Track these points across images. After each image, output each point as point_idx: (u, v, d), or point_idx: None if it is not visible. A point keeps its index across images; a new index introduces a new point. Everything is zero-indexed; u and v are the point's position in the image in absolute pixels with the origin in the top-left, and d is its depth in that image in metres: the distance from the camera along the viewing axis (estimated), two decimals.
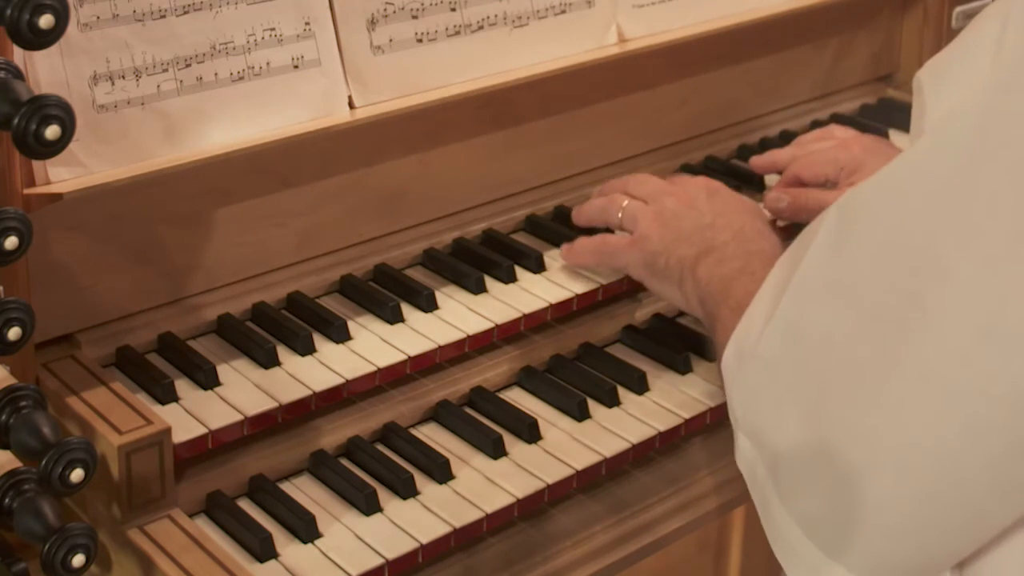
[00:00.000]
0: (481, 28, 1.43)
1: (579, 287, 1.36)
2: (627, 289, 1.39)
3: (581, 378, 1.30)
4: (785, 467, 0.95)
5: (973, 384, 0.83)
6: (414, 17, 1.38)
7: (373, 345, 1.27)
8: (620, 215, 1.35)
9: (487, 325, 1.30)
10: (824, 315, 0.92)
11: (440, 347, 1.26)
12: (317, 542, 1.11)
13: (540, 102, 1.50)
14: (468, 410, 1.27)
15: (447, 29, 1.41)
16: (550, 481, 1.16)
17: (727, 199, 1.32)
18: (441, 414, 1.26)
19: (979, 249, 0.82)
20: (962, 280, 0.83)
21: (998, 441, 0.83)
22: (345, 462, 1.21)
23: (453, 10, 1.41)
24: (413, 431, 1.24)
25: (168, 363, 1.25)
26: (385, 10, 1.36)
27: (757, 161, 1.57)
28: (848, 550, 0.91)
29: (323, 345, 1.27)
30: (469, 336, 1.28)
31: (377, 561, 1.08)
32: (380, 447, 1.23)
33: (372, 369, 1.23)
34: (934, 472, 0.86)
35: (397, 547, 1.10)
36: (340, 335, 1.27)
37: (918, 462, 0.86)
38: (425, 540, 1.10)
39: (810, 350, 0.93)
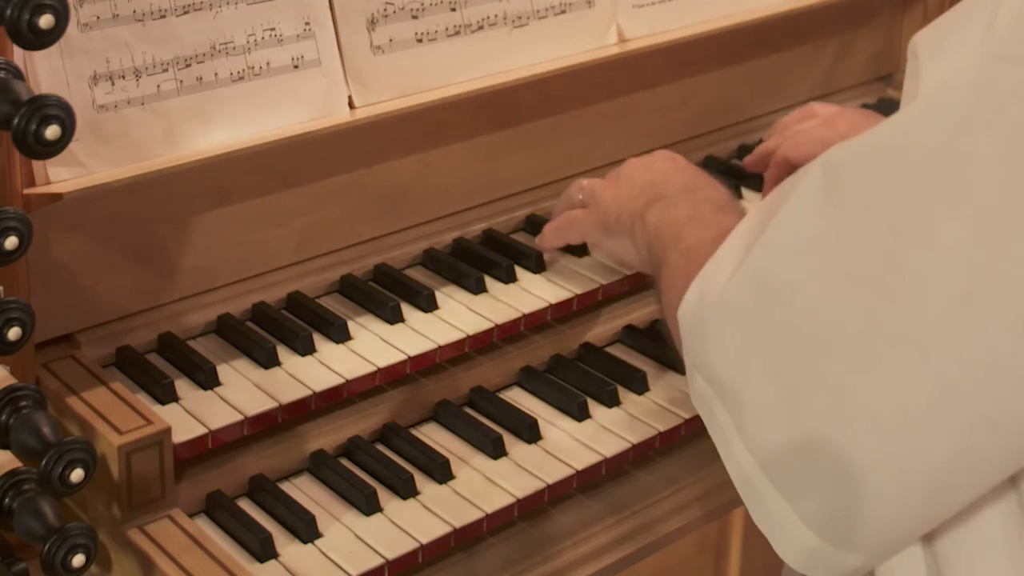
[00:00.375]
0: (481, 28, 1.43)
1: (579, 287, 1.37)
2: (627, 289, 1.40)
3: (581, 378, 1.30)
4: (751, 418, 0.95)
5: (948, 349, 0.83)
6: (414, 17, 1.38)
7: (373, 345, 1.27)
8: (581, 196, 1.37)
9: (487, 325, 1.30)
10: (798, 269, 0.92)
11: (440, 347, 1.26)
12: (317, 542, 1.12)
13: (540, 102, 1.50)
14: (468, 410, 1.27)
15: (447, 29, 1.41)
16: (550, 481, 1.17)
17: (680, 162, 1.34)
18: (441, 414, 1.26)
19: (966, 214, 0.82)
20: (946, 244, 0.83)
21: (967, 409, 0.83)
22: (345, 462, 1.22)
23: (453, 10, 1.41)
24: (413, 431, 1.24)
25: (168, 363, 1.25)
26: (385, 10, 1.36)
27: (749, 160, 1.57)
28: (806, 496, 0.92)
29: (323, 345, 1.27)
30: (469, 336, 1.28)
31: (377, 561, 1.09)
32: (380, 447, 1.23)
33: (372, 369, 1.24)
34: (902, 433, 0.86)
35: (397, 547, 1.10)
36: (340, 335, 1.27)
37: (887, 421, 0.86)
38: (425, 540, 1.11)
39: (781, 302, 0.93)
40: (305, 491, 1.19)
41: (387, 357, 1.25)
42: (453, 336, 1.28)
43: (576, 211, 1.37)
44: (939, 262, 0.83)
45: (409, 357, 1.25)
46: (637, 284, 1.40)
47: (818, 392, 0.89)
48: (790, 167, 1.47)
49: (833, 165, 0.92)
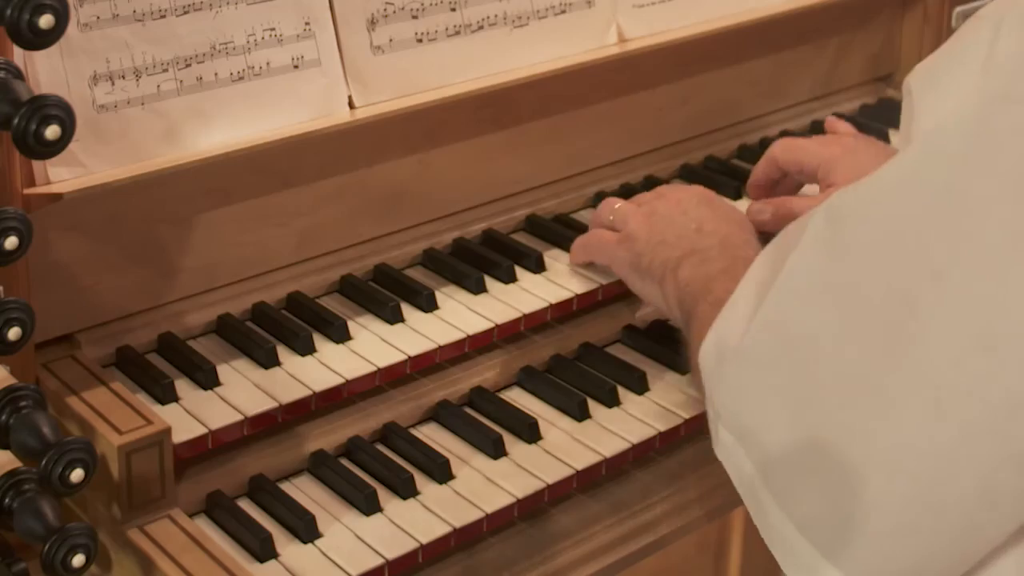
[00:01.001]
0: (481, 28, 1.43)
1: (579, 287, 1.37)
2: (627, 289, 1.39)
3: (581, 378, 1.30)
4: (777, 466, 0.96)
5: (967, 389, 0.84)
6: (414, 17, 1.39)
7: (373, 345, 1.27)
8: (612, 216, 1.37)
9: (487, 325, 1.31)
10: (813, 316, 0.93)
11: (440, 347, 1.27)
12: (317, 542, 1.12)
13: (540, 102, 1.50)
14: (468, 410, 1.27)
15: (447, 29, 1.41)
16: (550, 481, 1.17)
17: (717, 208, 1.33)
18: (441, 414, 1.26)
19: (974, 254, 0.83)
20: (956, 286, 0.84)
21: (990, 448, 0.84)
22: (345, 462, 1.22)
23: (453, 10, 1.41)
24: (413, 431, 1.24)
25: (168, 363, 1.25)
26: (385, 10, 1.37)
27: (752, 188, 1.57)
28: (843, 551, 0.92)
29: (323, 345, 1.27)
30: (469, 336, 1.28)
31: (377, 561, 1.09)
32: (380, 447, 1.23)
33: (372, 369, 1.24)
34: (927, 475, 0.87)
35: (397, 547, 1.10)
36: (340, 335, 1.27)
37: (912, 464, 0.87)
38: (425, 540, 1.11)
39: (799, 350, 0.94)
40: (305, 491, 1.19)
41: (387, 357, 1.25)
42: (453, 336, 1.28)
43: (606, 234, 1.37)
44: (951, 303, 0.83)
45: (409, 357, 1.25)
46: None
47: (840, 437, 0.89)
48: (776, 166, 1.49)
49: (836, 211, 0.93)
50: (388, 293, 1.34)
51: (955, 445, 0.84)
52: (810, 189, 1.51)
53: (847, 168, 1.42)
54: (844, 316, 0.90)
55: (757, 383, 0.97)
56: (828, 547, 0.92)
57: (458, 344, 1.29)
